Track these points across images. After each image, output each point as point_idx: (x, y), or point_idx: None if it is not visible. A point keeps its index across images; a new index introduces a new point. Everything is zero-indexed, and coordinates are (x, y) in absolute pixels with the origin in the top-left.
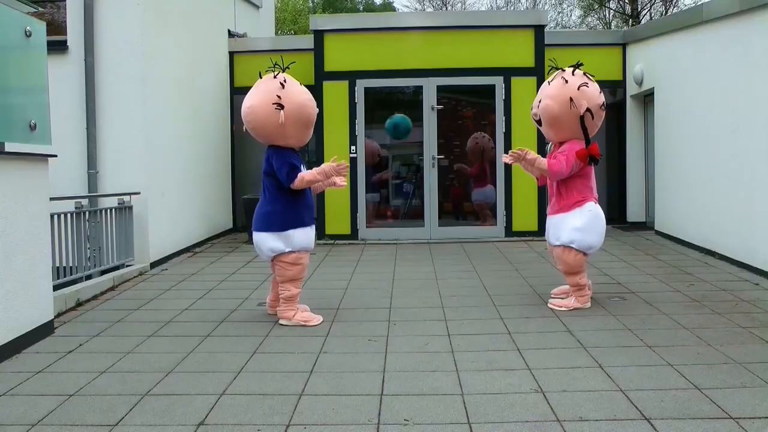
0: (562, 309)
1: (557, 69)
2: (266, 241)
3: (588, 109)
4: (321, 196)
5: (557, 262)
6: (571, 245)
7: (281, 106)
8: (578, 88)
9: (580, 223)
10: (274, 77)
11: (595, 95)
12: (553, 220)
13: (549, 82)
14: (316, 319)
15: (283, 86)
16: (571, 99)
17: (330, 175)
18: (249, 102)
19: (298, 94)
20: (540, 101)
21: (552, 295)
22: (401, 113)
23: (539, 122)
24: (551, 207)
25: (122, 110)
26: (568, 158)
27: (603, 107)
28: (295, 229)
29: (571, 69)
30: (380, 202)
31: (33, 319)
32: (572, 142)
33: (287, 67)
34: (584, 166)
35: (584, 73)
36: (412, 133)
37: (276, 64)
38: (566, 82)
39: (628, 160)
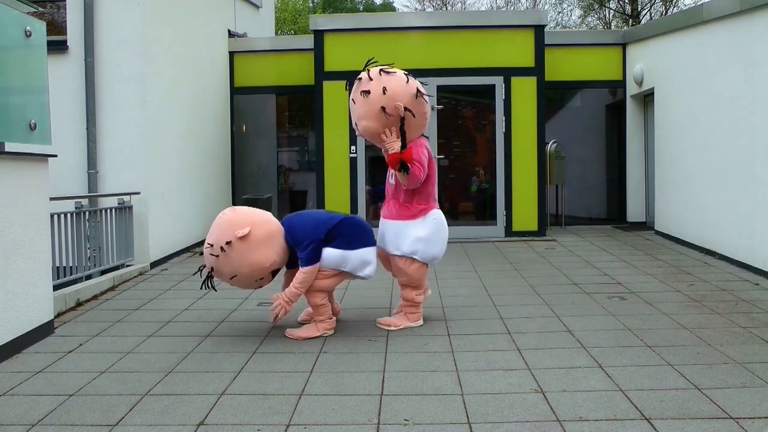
0: (391, 328)
1: (358, 79)
2: None
3: (406, 108)
4: (321, 197)
5: (396, 273)
6: (414, 256)
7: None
8: (383, 93)
9: (423, 234)
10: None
11: (402, 90)
12: (391, 226)
13: (354, 101)
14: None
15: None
16: (383, 108)
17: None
18: None
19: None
20: (357, 125)
21: (377, 323)
22: None
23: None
24: (388, 210)
25: (122, 110)
26: (421, 162)
27: (419, 94)
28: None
29: (366, 73)
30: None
31: (33, 319)
32: (415, 144)
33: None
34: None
35: (380, 70)
36: None
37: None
38: (368, 93)
39: (628, 160)
